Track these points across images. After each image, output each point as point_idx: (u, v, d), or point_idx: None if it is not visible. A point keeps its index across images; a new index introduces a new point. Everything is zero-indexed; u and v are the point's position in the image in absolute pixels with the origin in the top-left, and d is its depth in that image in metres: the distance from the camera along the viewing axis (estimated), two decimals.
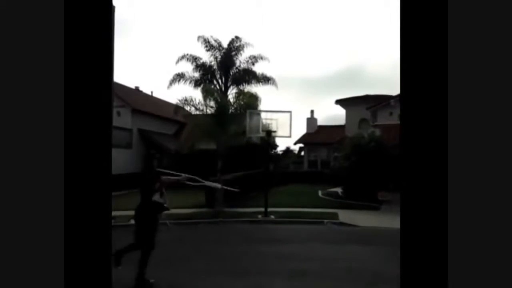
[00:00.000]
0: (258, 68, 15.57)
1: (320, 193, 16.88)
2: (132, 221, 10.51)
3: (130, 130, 21.30)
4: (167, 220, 9.43)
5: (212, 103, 12.41)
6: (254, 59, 15.43)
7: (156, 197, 5.31)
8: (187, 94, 16.35)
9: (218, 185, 5.47)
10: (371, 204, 13.04)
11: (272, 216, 11.08)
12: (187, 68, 15.40)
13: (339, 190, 16.38)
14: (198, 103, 12.86)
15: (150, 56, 56.47)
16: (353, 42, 60.35)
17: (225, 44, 15.46)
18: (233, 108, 12.56)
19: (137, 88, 27.30)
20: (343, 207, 12.59)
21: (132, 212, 11.95)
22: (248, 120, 11.66)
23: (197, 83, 15.05)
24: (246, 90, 14.21)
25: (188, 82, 15.25)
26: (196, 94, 20.82)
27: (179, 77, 15.30)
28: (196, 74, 15.33)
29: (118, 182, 15.10)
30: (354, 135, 16.50)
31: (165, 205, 5.37)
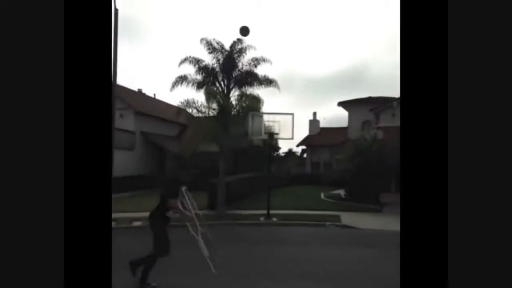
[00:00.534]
0: (260, 70, 15.56)
1: (322, 195, 16.83)
2: (134, 224, 10.55)
3: (132, 133, 21.34)
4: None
5: (214, 105, 12.42)
6: (256, 61, 15.43)
7: (170, 213, 5.35)
8: (189, 96, 16.41)
9: (205, 252, 5.35)
10: (373, 206, 12.98)
11: (275, 219, 11.05)
12: (190, 70, 15.39)
13: (341, 192, 16.33)
14: (201, 105, 12.87)
15: (153, 58, 56.65)
16: (355, 44, 60.33)
17: (227, 47, 15.48)
18: (235, 110, 12.55)
19: (140, 91, 27.38)
20: (346, 210, 12.55)
21: (132, 215, 11.91)
22: (250, 122, 11.65)
23: (199, 86, 15.06)
24: (248, 92, 14.21)
25: (190, 84, 15.26)
26: (199, 97, 20.89)
27: (182, 79, 15.31)
28: (199, 77, 15.34)
29: (120, 184, 15.11)
30: (356, 137, 16.46)
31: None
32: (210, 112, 12.64)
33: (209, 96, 12.73)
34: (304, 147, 28.16)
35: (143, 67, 56.88)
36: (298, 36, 63.70)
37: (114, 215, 8.69)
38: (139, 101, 24.01)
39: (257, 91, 14.73)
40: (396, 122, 17.45)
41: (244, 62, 15.43)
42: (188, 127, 14.71)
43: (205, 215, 11.68)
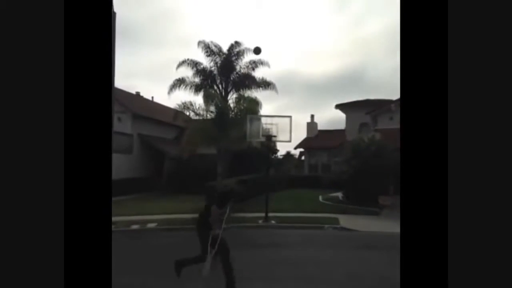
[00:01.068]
0: (258, 73, 15.60)
1: (320, 198, 16.83)
2: (133, 227, 10.52)
3: (130, 135, 21.31)
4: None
5: (212, 108, 12.43)
6: (254, 64, 15.47)
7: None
8: (187, 99, 16.43)
9: (205, 272, 5.30)
10: (372, 209, 12.99)
11: (273, 221, 11.04)
12: (188, 73, 15.41)
13: (340, 194, 16.33)
14: (199, 108, 12.89)
15: (151, 61, 56.66)
16: (353, 47, 60.57)
17: (225, 49, 15.51)
18: (233, 113, 12.57)
19: (138, 94, 27.35)
20: (344, 212, 12.54)
21: (132, 218, 11.86)
22: (248, 125, 11.66)
23: (197, 88, 15.08)
24: (246, 95, 14.23)
25: (188, 87, 15.28)
26: (197, 99, 20.89)
27: (180, 82, 15.33)
28: (197, 79, 15.36)
29: (119, 187, 15.07)
30: (354, 139, 16.49)
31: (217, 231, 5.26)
32: (208, 115, 12.65)
33: (207, 99, 12.75)
34: (302, 149, 28.18)
35: (140, 70, 56.87)
36: (296, 39, 63.91)
37: (112, 219, 8.67)
38: (137, 104, 23.99)
39: (255, 93, 14.76)
40: (394, 125, 17.53)
41: (242, 65, 15.45)
42: (186, 130, 14.70)
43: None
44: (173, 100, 22.74)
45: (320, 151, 26.23)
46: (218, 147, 12.50)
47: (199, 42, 15.42)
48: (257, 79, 15.34)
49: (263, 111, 13.81)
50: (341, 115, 25.76)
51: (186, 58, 15.28)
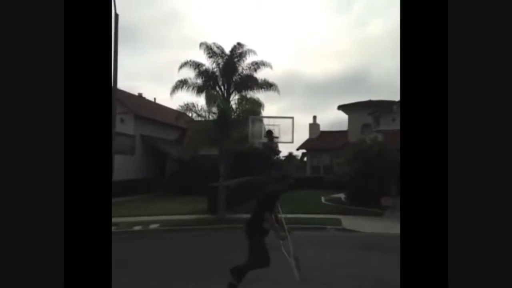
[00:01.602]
0: (260, 74, 15.61)
1: (323, 199, 16.79)
2: (136, 228, 10.53)
3: (133, 136, 21.36)
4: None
5: (214, 109, 12.44)
6: (256, 65, 15.49)
7: (266, 225, 5.15)
8: (189, 100, 16.48)
9: (296, 275, 5.13)
10: (374, 210, 12.95)
11: None
12: (190, 74, 15.43)
13: (342, 195, 16.29)
14: (201, 109, 12.90)
15: (154, 63, 56.81)
16: (356, 48, 60.51)
17: (227, 51, 15.54)
18: (235, 114, 12.58)
19: (140, 95, 27.43)
20: (346, 213, 12.51)
21: (134, 219, 11.88)
22: (250, 126, 11.66)
23: (199, 90, 15.11)
24: (248, 96, 14.24)
25: (190, 88, 15.31)
26: (199, 101, 20.93)
27: (182, 83, 15.37)
28: (199, 81, 15.40)
29: (121, 188, 15.10)
30: (356, 140, 16.46)
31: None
32: (210, 116, 12.66)
33: (209, 100, 12.77)
34: (304, 150, 28.15)
35: (143, 71, 57.04)
36: (298, 40, 63.91)
37: (114, 220, 8.68)
38: (140, 105, 24.05)
39: (257, 95, 14.77)
40: (396, 126, 17.48)
41: (244, 66, 15.48)
42: (188, 131, 14.72)
43: (206, 220, 11.70)
44: (175, 101, 22.80)
45: (322, 152, 26.18)
46: (220, 148, 12.50)
47: (201, 44, 15.46)
48: (259, 80, 15.36)
49: (265, 112, 13.82)
50: (343, 116, 25.74)
51: (188, 60, 15.33)
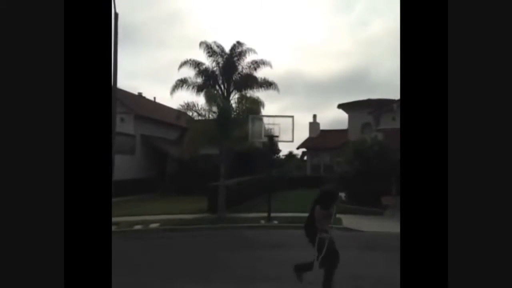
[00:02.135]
0: (260, 73, 15.60)
1: None
2: (136, 227, 10.54)
3: (133, 136, 21.35)
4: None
5: (214, 108, 12.44)
6: (256, 64, 15.48)
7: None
8: (189, 99, 16.47)
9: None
10: (374, 209, 12.95)
11: (276, 222, 11.03)
12: (190, 74, 15.41)
13: (342, 195, 16.29)
14: (201, 109, 12.90)
15: (154, 62, 56.80)
16: (355, 47, 60.47)
17: (227, 50, 15.53)
18: (235, 113, 12.57)
19: (140, 94, 27.42)
20: (347, 212, 12.50)
21: (134, 218, 11.86)
22: (250, 125, 11.66)
23: (199, 89, 15.10)
24: (248, 95, 14.24)
25: (190, 87, 15.30)
26: (199, 100, 20.93)
27: (182, 82, 15.36)
28: (199, 80, 15.38)
29: (122, 188, 15.10)
30: (356, 139, 16.45)
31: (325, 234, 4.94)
32: (210, 115, 12.65)
33: (209, 99, 12.76)
34: (304, 149, 28.15)
35: (143, 71, 57.03)
36: (299, 39, 63.88)
37: (114, 219, 8.68)
38: (140, 105, 24.04)
39: (257, 93, 14.75)
40: (396, 124, 17.47)
41: (244, 65, 15.46)
42: (188, 130, 14.71)
43: (206, 219, 11.71)
44: (175, 100, 22.82)
45: (322, 151, 26.18)
46: (220, 147, 12.50)
47: (201, 43, 15.45)
48: (259, 79, 15.35)
49: (266, 111, 13.81)
50: (343, 115, 25.71)
51: (188, 59, 15.32)
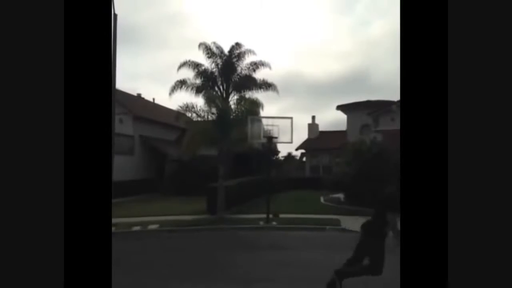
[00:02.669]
0: (259, 75, 15.60)
1: (322, 199, 16.80)
2: (135, 228, 10.52)
3: (132, 137, 21.34)
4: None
5: (213, 110, 12.44)
6: (255, 65, 15.49)
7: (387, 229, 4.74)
8: (188, 100, 16.45)
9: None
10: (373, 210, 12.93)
11: (274, 223, 11.03)
12: (189, 75, 15.40)
13: (341, 196, 16.30)
14: (200, 110, 12.89)
15: (153, 63, 56.77)
16: (355, 48, 60.57)
17: (226, 51, 15.53)
18: (234, 114, 12.57)
19: (139, 95, 27.41)
20: (346, 213, 12.51)
21: (133, 219, 11.83)
22: (249, 126, 11.67)
23: (198, 90, 15.09)
24: (247, 96, 14.24)
25: (189, 88, 15.29)
26: (198, 101, 20.92)
27: (181, 83, 15.35)
28: (198, 81, 15.37)
29: (120, 189, 15.09)
30: (355, 140, 16.47)
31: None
32: (209, 116, 12.65)
33: (208, 100, 12.76)
34: (303, 150, 28.17)
35: (142, 72, 57.00)
36: (298, 40, 63.93)
37: (113, 220, 8.66)
38: (139, 106, 24.03)
39: (256, 95, 14.76)
40: (395, 126, 17.50)
41: (243, 66, 15.46)
42: (187, 131, 14.71)
43: (205, 220, 11.70)
44: (174, 101, 22.78)
45: (321, 152, 26.21)
46: (219, 148, 12.49)
47: (200, 44, 15.44)
48: (258, 81, 15.36)
49: (265, 112, 13.82)
50: (342, 116, 25.74)
51: (187, 60, 15.31)
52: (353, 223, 10.88)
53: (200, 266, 6.71)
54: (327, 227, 10.49)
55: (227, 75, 15.25)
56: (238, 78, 15.39)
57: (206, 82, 15.22)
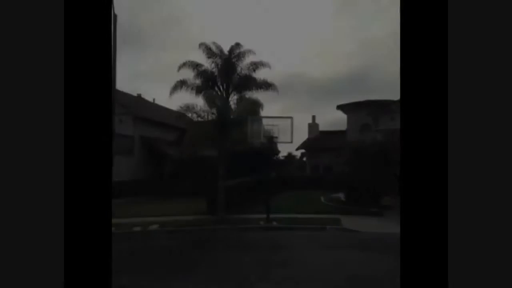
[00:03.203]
0: (259, 75, 15.57)
1: (322, 199, 16.80)
2: (135, 229, 10.52)
3: (132, 137, 21.35)
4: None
5: (213, 110, 12.43)
6: (255, 65, 15.46)
7: None
8: (188, 101, 16.41)
9: None
10: (374, 209, 12.96)
11: (275, 223, 11.03)
12: (189, 75, 15.37)
13: (341, 195, 16.30)
14: (200, 110, 12.88)
15: (153, 64, 56.75)
16: (355, 48, 60.53)
17: (226, 51, 15.51)
18: (234, 114, 12.57)
19: (139, 96, 27.42)
20: (346, 213, 12.51)
21: (133, 220, 11.81)
22: (249, 126, 11.66)
23: (198, 90, 15.07)
24: (247, 96, 14.22)
25: (190, 89, 15.28)
26: (198, 101, 20.90)
27: (181, 84, 15.33)
28: (198, 81, 15.36)
29: (120, 189, 15.08)
30: (356, 140, 16.48)
31: None
32: (209, 117, 12.64)
33: (208, 101, 12.75)
34: (303, 150, 28.18)
35: (142, 72, 56.97)
36: (299, 40, 63.91)
37: (113, 221, 8.65)
38: (139, 106, 24.03)
39: (256, 95, 14.74)
40: (395, 125, 17.49)
41: (243, 66, 15.45)
42: (187, 132, 14.70)
43: (205, 220, 11.70)
44: (174, 102, 22.78)
45: (321, 152, 26.21)
46: (219, 148, 12.49)
47: (200, 44, 15.42)
48: (258, 81, 15.34)
49: (265, 112, 13.80)
50: (342, 116, 25.74)
51: (187, 60, 15.28)
52: (354, 222, 10.88)
53: (200, 266, 6.70)
54: (328, 226, 10.49)
55: (227, 75, 15.22)
56: (238, 78, 15.37)
57: (206, 82, 15.20)
